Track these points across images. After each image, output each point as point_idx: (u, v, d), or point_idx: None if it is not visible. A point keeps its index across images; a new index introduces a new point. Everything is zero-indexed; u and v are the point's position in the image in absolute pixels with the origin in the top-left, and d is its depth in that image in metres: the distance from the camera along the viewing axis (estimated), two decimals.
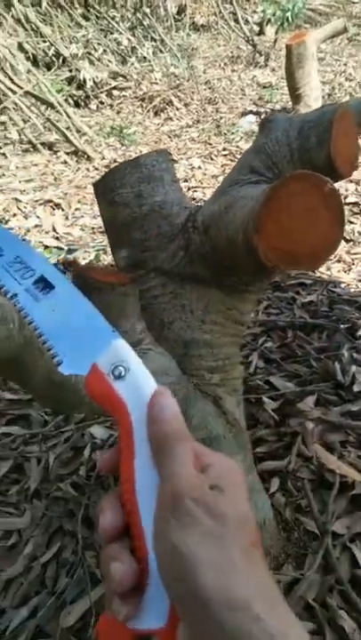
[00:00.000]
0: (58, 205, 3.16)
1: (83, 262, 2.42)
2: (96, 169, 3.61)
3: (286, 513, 1.19)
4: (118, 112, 4.51)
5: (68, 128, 3.83)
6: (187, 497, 0.33)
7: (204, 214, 1.02)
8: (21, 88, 4.10)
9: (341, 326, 1.82)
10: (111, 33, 5.42)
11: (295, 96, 3.80)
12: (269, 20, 6.72)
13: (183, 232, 1.04)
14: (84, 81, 4.56)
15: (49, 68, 4.91)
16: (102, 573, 0.35)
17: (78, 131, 3.92)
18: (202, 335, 1.08)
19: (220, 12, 6.87)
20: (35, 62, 4.90)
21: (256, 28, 6.91)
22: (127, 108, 4.54)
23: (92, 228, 2.87)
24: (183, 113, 4.43)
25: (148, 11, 5.97)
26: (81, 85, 4.66)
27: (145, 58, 5.31)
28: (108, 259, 2.48)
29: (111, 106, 4.62)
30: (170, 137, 3.97)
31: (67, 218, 3.02)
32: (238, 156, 3.42)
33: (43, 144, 4.03)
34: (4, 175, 3.79)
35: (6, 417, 1.64)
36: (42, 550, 1.21)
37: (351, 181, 2.94)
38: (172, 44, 5.98)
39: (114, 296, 0.96)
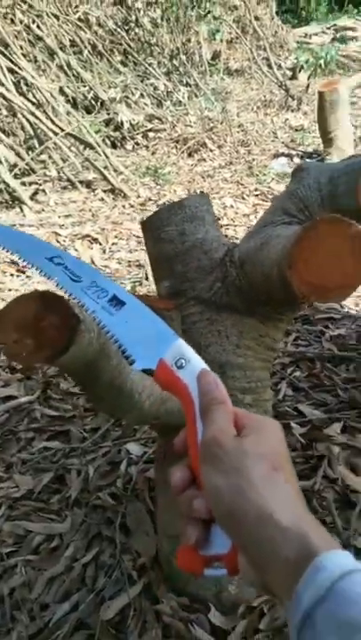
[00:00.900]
0: (95, 240, 3.35)
1: None
2: (132, 206, 3.82)
3: None
4: (153, 153, 4.76)
5: (105, 167, 4.06)
6: (213, 444, 0.43)
7: (241, 250, 1.16)
8: (62, 130, 4.38)
9: None
10: (148, 78, 5.74)
11: (327, 140, 3.96)
12: (302, 67, 7.02)
13: (221, 266, 1.18)
14: (122, 123, 4.83)
15: (88, 112, 5.22)
16: (182, 511, 0.45)
17: (115, 170, 4.15)
18: (236, 359, 1.19)
19: (254, 57, 7.20)
20: (74, 105, 5.22)
21: (289, 73, 7.20)
22: (162, 149, 4.78)
23: (129, 262, 3.04)
24: (216, 154, 4.66)
25: (183, 58, 6.31)
26: (118, 127, 4.94)
27: (180, 102, 5.60)
28: (143, 290, 2.62)
29: (147, 147, 4.88)
30: (203, 177, 4.18)
31: (104, 252, 3.20)
32: (270, 197, 3.59)
33: (81, 182, 4.27)
34: (43, 210, 4.02)
35: (47, 432, 1.76)
36: (82, 553, 1.31)
37: None
38: (207, 88, 6.30)
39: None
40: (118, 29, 5.74)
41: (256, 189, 3.83)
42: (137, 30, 5.99)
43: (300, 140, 4.79)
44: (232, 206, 3.58)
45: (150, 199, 3.90)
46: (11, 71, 4.56)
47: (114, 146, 4.96)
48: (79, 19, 5.50)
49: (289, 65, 7.58)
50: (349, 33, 9.03)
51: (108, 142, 4.96)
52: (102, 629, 1.10)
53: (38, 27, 5.08)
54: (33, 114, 4.48)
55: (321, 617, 0.33)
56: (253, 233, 1.19)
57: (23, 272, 3.07)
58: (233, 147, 4.75)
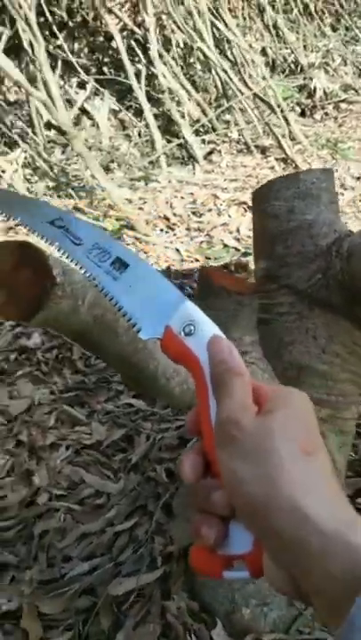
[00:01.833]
0: (250, 208, 3.22)
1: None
2: None
3: None
4: (340, 125, 4.39)
5: (283, 135, 3.85)
6: (229, 423, 0.36)
7: (352, 242, 0.98)
8: (251, 90, 4.24)
9: None
10: (355, 44, 5.26)
11: None
12: None
13: (326, 255, 1.01)
14: (315, 90, 4.52)
15: (285, 74, 4.98)
16: (196, 505, 0.38)
17: (293, 139, 3.92)
18: (320, 364, 1.03)
19: None
20: (273, 68, 5.01)
21: None
22: (350, 123, 4.39)
23: None
24: None
25: None
26: (311, 95, 4.64)
27: None
28: None
29: (335, 118, 4.52)
30: None
31: None
32: None
33: (257, 147, 4.12)
34: (213, 171, 3.98)
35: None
36: (120, 519, 1.29)
37: None
38: None
39: (228, 302, 0.97)
40: None
41: None
42: None
43: None
44: None
45: None
46: (214, 26, 4.50)
47: (303, 114, 4.68)
48: None
49: None
50: None
51: (298, 109, 4.69)
52: (105, 603, 1.07)
53: None
54: (225, 72, 4.40)
55: None
56: None
57: (172, 228, 3.09)
58: None
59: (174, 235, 3.01)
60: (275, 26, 4.89)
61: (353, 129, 4.24)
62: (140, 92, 3.87)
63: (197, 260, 2.74)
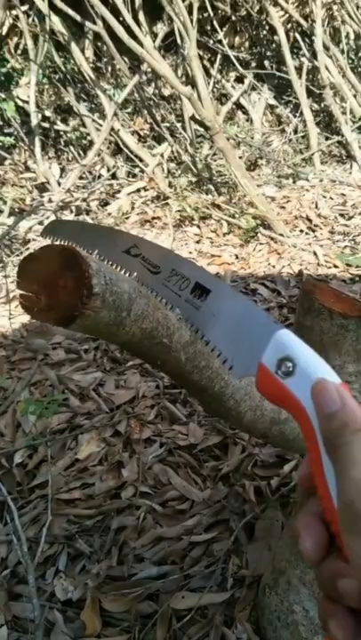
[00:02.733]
0: None
1: None
2: None
3: None
4: None
5: None
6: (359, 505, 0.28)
7: None
8: None
9: None
10: None
11: None
12: None
13: None
14: None
15: None
16: (321, 590, 0.33)
17: None
18: None
19: None
20: None
21: None
22: None
23: None
24: None
25: None
26: None
27: None
28: None
29: None
30: None
31: None
32: None
33: None
34: None
35: None
36: (199, 530, 1.25)
37: None
38: None
39: (330, 324, 0.87)
40: None
41: None
42: None
43: None
44: None
45: None
46: None
47: None
48: None
49: None
50: None
51: None
52: (164, 614, 1.04)
53: None
54: None
55: None
56: None
57: (313, 230, 2.93)
58: None
59: (314, 237, 2.86)
60: None
61: None
62: (299, 87, 3.72)
63: (336, 267, 2.57)
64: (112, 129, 2.84)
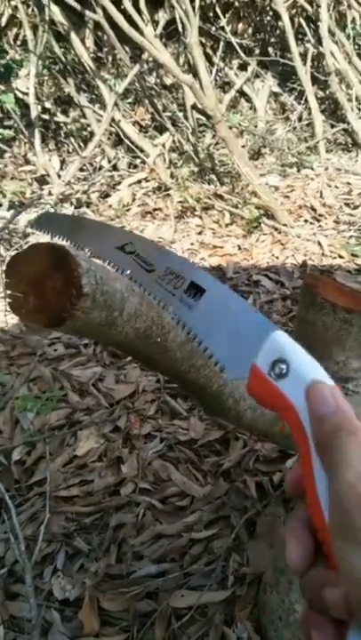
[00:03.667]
0: None
1: None
2: None
3: None
4: None
5: None
6: (352, 510, 0.28)
7: None
8: None
9: None
10: None
11: None
12: None
13: None
14: None
15: None
16: (305, 599, 0.32)
17: None
18: None
19: None
20: None
21: None
22: None
23: None
24: None
25: None
26: None
27: None
28: None
29: None
30: None
31: None
32: None
33: None
34: None
35: None
36: (199, 527, 1.23)
37: None
38: None
39: (333, 319, 0.85)
40: None
41: None
42: None
43: None
44: None
45: None
46: None
47: None
48: None
49: None
50: None
51: None
52: (162, 613, 1.02)
53: None
54: None
55: None
56: None
57: (318, 220, 2.89)
58: None
59: (319, 227, 2.82)
60: None
61: None
62: (303, 74, 3.66)
63: (341, 257, 2.53)
64: (113, 119, 2.80)
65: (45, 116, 3.05)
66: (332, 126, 3.93)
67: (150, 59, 3.28)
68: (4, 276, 0.56)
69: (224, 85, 3.85)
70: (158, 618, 1.02)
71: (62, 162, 2.96)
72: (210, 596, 1.06)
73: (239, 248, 2.54)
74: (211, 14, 3.57)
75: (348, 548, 0.27)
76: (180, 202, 2.63)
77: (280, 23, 3.86)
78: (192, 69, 2.49)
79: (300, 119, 4.02)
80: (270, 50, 4.08)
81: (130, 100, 3.25)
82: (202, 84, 2.25)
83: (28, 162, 2.92)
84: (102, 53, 3.24)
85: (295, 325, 0.89)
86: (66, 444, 1.41)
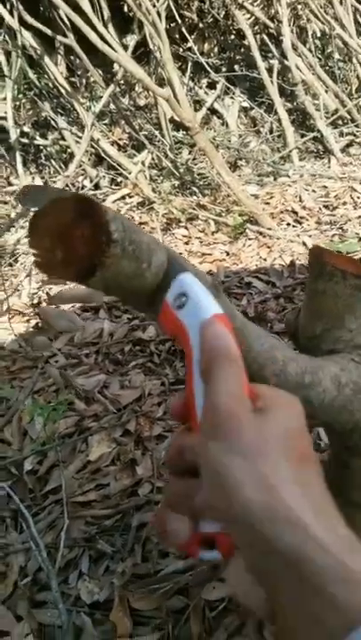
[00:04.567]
0: None
1: None
2: None
3: None
4: None
5: None
6: (226, 414, 0.31)
7: None
8: None
9: None
10: None
11: None
12: None
13: None
14: None
15: None
16: (173, 505, 0.36)
17: None
18: None
19: None
20: None
21: None
22: None
23: None
24: None
25: None
26: None
27: None
28: None
29: None
30: None
31: None
32: None
33: None
34: (351, 164, 3.75)
35: None
36: None
37: None
38: None
39: (344, 287, 0.85)
40: None
41: None
42: None
43: None
44: None
45: None
46: (358, 11, 4.24)
47: None
48: None
49: None
50: None
51: None
52: (196, 607, 0.99)
53: None
54: None
55: None
56: None
57: (300, 222, 2.94)
58: None
59: (302, 228, 2.86)
60: None
61: None
62: (271, 87, 3.76)
63: None
64: (92, 139, 2.83)
65: (25, 140, 3.07)
66: (302, 136, 4.03)
67: (122, 81, 3.35)
68: (27, 234, 0.55)
69: (195, 104, 3.93)
70: (192, 612, 0.99)
71: (45, 183, 2.98)
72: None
73: (227, 254, 2.56)
74: (177, 36, 3.67)
75: (216, 449, 0.30)
76: (165, 214, 2.65)
77: (245, 41, 3.99)
78: (168, 84, 2.54)
79: (271, 131, 4.12)
80: (237, 67, 4.20)
81: (106, 121, 3.29)
82: (177, 96, 2.30)
83: (10, 184, 2.93)
84: (75, 78, 3.29)
85: (305, 299, 0.89)
86: (77, 451, 1.38)
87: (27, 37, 2.80)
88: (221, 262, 2.48)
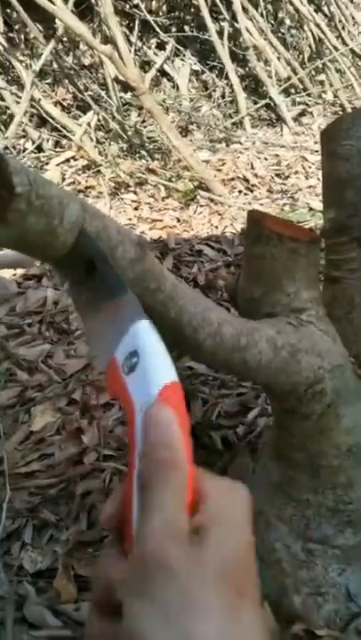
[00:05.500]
0: None
1: None
2: None
3: None
4: None
5: None
6: (156, 561, 0.27)
7: None
8: (347, 45, 3.91)
9: None
10: None
11: None
12: None
13: None
14: None
15: None
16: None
17: None
18: None
19: None
20: None
21: None
22: None
23: None
24: None
25: None
26: None
27: None
28: None
29: None
30: None
31: None
32: None
33: (354, 109, 3.81)
34: (303, 133, 3.75)
35: None
36: None
37: None
38: None
39: (280, 250, 0.83)
40: None
41: None
42: None
43: None
44: None
45: None
46: None
47: None
48: None
49: None
50: None
51: None
52: None
53: None
54: (318, 26, 4.07)
55: None
56: None
57: (251, 190, 2.92)
58: None
59: (253, 197, 2.85)
60: None
61: None
62: (222, 51, 3.67)
63: None
64: (33, 99, 2.70)
65: None
66: (255, 102, 3.98)
67: (66, 39, 3.20)
68: None
69: (144, 65, 3.81)
70: None
71: None
72: None
73: (178, 220, 2.52)
74: None
75: (136, 604, 0.27)
76: (113, 178, 2.58)
77: (194, 0, 3.87)
78: (110, 42, 2.44)
79: (223, 96, 4.05)
80: (187, 28, 4.08)
81: (49, 80, 3.15)
82: (121, 54, 2.21)
83: None
84: (13, 33, 3.12)
85: (243, 263, 0.88)
86: (20, 422, 1.35)
87: None
88: (172, 229, 2.44)
